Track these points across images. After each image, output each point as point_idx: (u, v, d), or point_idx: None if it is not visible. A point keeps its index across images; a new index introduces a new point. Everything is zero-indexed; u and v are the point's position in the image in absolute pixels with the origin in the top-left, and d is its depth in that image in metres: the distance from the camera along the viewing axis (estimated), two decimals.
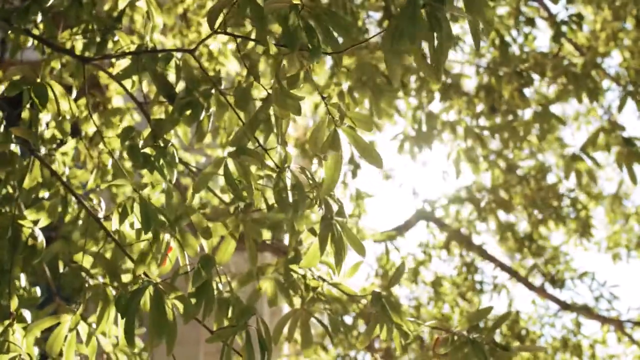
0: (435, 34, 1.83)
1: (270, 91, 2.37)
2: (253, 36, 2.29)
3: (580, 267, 11.02)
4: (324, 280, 3.17)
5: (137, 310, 2.53)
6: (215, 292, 2.74)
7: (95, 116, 3.57)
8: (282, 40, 2.05)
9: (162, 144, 2.73)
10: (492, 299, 9.98)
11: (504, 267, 10.39)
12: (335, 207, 2.57)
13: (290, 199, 2.42)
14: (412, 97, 6.24)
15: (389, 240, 8.56)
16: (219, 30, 2.33)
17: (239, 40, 2.50)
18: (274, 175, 2.43)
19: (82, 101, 3.52)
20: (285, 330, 2.99)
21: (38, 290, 3.49)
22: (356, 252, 2.53)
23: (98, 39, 3.35)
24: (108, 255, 3.06)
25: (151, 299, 2.54)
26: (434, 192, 10.27)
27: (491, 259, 10.30)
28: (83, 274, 2.88)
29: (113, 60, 3.02)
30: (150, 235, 2.70)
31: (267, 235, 3.19)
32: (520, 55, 6.40)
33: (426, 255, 10.01)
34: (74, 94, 3.50)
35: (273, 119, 2.53)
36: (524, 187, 9.37)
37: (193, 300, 2.60)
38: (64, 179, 3.52)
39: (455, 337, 3.05)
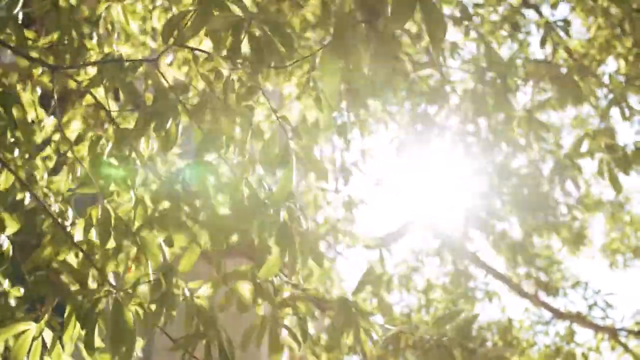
0: (375, 49, 1.85)
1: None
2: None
3: (575, 275, 10.99)
4: (294, 285, 3.17)
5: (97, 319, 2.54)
6: (182, 299, 2.76)
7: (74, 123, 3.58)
8: (228, 54, 2.07)
9: (127, 153, 2.74)
10: (484, 306, 9.99)
11: (497, 275, 10.40)
12: (298, 215, 2.59)
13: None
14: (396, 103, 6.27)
15: (377, 247, 8.57)
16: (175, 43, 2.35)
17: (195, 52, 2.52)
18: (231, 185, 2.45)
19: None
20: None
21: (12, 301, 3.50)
22: (314, 261, 2.55)
23: (75, 45, 3.36)
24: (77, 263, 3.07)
25: (111, 308, 2.56)
26: (428, 198, 10.26)
27: (484, 266, 10.30)
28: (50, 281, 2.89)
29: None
30: (113, 243, 2.71)
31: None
32: (508, 61, 6.41)
33: (418, 262, 10.02)
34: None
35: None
36: (517, 194, 9.38)
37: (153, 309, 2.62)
38: (43, 184, 3.54)
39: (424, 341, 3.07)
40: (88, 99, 3.02)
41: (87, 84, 2.86)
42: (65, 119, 3.19)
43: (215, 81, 2.27)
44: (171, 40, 2.24)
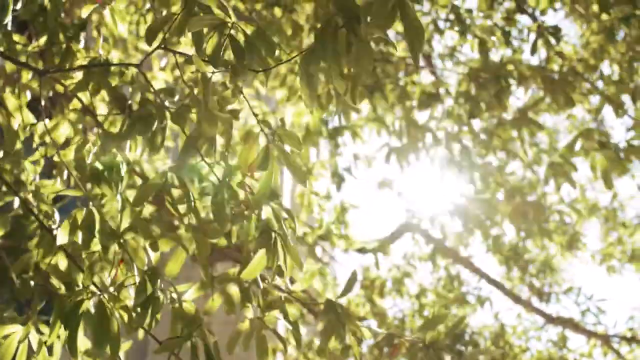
0: (355, 54, 1.87)
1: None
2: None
3: (570, 280, 11.02)
4: (280, 289, 3.19)
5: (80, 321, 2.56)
6: (168, 302, 2.77)
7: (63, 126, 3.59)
8: (208, 58, 2.09)
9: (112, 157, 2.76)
10: (476, 311, 9.99)
11: (490, 280, 10.41)
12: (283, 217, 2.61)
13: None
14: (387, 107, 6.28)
15: (370, 251, 8.58)
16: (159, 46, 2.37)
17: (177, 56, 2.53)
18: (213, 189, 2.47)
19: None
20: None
21: None
22: (295, 266, 2.56)
23: (63, 48, 3.38)
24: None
25: (94, 310, 2.57)
26: (422, 202, 10.28)
27: (477, 271, 10.31)
28: (33, 283, 2.91)
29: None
30: (99, 246, 2.73)
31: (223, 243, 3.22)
32: (501, 62, 6.44)
33: (411, 267, 10.03)
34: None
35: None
36: (510, 199, 9.39)
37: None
38: (32, 188, 3.56)
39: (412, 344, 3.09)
40: (75, 103, 3.03)
41: (74, 88, 2.88)
42: (53, 122, 3.20)
43: (198, 85, 2.29)
44: (155, 43, 2.27)
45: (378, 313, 9.32)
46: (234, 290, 3.14)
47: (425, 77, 7.53)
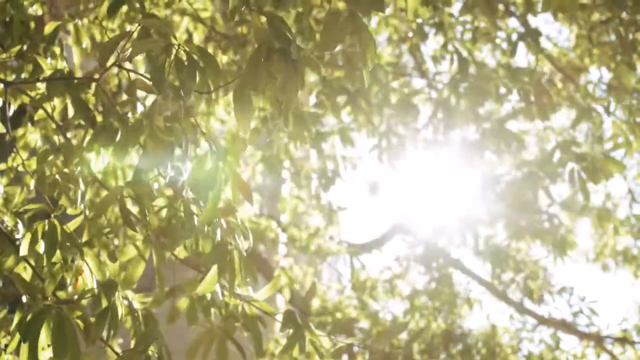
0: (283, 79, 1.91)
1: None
2: None
3: (562, 281, 11.03)
4: (242, 298, 3.22)
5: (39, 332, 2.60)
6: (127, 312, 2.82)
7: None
8: (152, 78, 2.14)
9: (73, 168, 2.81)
10: (466, 311, 10.02)
11: (481, 281, 10.44)
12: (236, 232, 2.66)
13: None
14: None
15: (354, 255, 8.63)
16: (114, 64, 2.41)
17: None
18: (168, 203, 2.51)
19: None
20: None
21: None
22: (248, 278, 2.61)
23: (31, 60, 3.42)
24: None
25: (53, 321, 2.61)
26: (412, 204, 10.32)
27: (469, 273, 10.35)
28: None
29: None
30: (59, 257, 2.77)
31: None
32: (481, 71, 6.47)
33: (402, 268, 10.07)
34: None
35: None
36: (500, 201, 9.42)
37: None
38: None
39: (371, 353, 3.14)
40: (40, 113, 3.08)
41: (39, 99, 2.93)
42: (20, 132, 3.25)
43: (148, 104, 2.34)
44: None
45: (370, 315, 9.37)
46: (195, 299, 3.18)
47: (417, 83, 7.58)
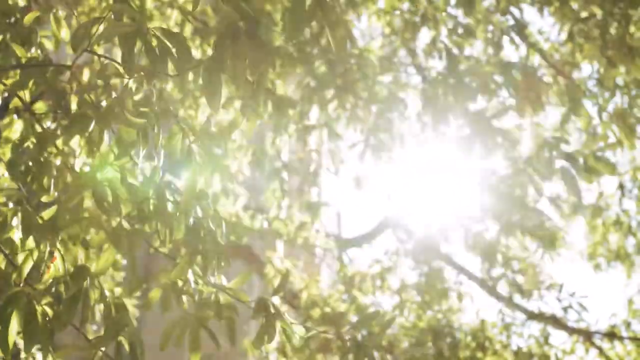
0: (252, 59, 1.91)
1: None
2: None
3: (552, 277, 11.02)
4: (215, 286, 3.22)
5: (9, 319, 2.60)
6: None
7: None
8: (122, 61, 2.14)
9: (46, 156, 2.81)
10: (456, 306, 10.03)
11: (471, 276, 10.45)
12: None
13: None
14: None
15: (342, 248, 8.63)
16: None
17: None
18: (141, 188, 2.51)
19: None
20: None
21: None
22: (222, 266, 2.61)
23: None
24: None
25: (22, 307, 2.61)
26: (402, 198, 10.31)
27: (458, 267, 10.35)
28: None
29: None
30: (32, 244, 2.77)
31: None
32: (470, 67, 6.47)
33: (391, 262, 10.07)
34: None
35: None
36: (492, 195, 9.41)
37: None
38: None
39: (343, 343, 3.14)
40: (15, 101, 3.08)
41: (12, 87, 2.92)
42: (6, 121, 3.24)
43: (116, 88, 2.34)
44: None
45: (359, 308, 9.37)
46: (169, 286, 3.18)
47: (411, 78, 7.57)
